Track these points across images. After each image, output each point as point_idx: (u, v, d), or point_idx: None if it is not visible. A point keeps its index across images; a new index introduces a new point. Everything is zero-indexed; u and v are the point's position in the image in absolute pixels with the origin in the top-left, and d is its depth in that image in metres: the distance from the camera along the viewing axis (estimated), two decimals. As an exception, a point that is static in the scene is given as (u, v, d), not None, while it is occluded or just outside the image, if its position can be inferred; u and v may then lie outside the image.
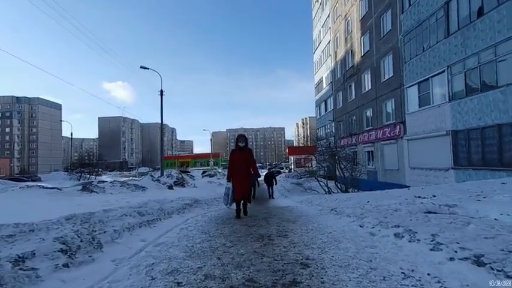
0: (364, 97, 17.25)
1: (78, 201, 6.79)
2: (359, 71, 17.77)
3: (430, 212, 3.35)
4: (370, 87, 16.31)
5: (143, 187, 10.74)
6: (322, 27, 25.42)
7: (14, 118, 75.50)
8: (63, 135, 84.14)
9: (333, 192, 13.58)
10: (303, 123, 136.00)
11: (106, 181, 13.26)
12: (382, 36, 14.58)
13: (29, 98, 78.53)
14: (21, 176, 38.94)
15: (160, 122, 21.57)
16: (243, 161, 4.89)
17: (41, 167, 73.47)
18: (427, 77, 10.69)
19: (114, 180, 10.77)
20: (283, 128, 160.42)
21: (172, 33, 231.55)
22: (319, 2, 26.16)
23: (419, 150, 11.46)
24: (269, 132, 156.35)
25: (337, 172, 14.60)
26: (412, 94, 11.97)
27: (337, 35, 21.71)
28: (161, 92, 21.61)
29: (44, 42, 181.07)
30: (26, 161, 76.64)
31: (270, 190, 13.86)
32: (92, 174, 34.13)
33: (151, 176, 14.32)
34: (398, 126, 13.16)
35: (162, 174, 20.48)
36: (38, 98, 79.30)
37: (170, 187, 12.82)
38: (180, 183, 15.85)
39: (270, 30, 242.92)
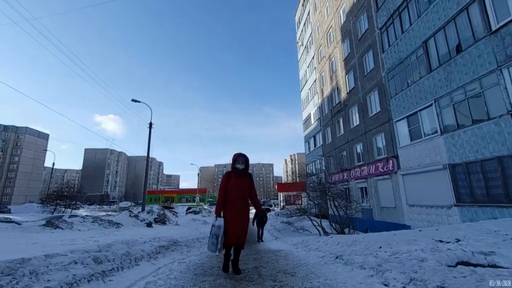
0: (353, 132, 17.30)
1: (35, 238, 5.60)
2: (346, 107, 18.13)
3: (464, 263, 2.64)
4: (358, 123, 16.46)
5: (118, 224, 9.45)
6: (308, 67, 26.79)
7: None
8: (45, 165, 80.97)
9: (328, 233, 12.56)
10: (291, 160, 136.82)
11: (78, 215, 11.81)
12: (366, 74, 15.19)
13: (17, 127, 77.40)
14: None
15: (147, 156, 20.69)
16: (241, 189, 3.59)
17: (15, 197, 69.80)
18: (414, 110, 10.78)
19: (87, 215, 9.48)
20: (272, 164, 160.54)
21: (163, 70, 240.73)
22: (304, 46, 27.99)
23: (416, 185, 11.00)
24: (257, 168, 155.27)
25: (331, 210, 13.75)
26: (401, 128, 11.97)
27: (323, 74, 22.74)
28: (150, 124, 21.24)
29: (35, 73, 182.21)
30: (1, 190, 71.71)
31: (260, 231, 11.88)
32: (69, 208, 31.42)
33: (129, 211, 12.90)
34: (391, 161, 12.88)
35: (143, 210, 18.88)
36: (26, 127, 78.35)
37: (149, 224, 11.47)
38: (161, 220, 14.40)
39: (258, 71, 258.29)
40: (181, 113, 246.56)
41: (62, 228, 6.78)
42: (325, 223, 13.68)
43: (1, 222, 6.82)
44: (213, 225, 3.53)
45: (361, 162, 16.24)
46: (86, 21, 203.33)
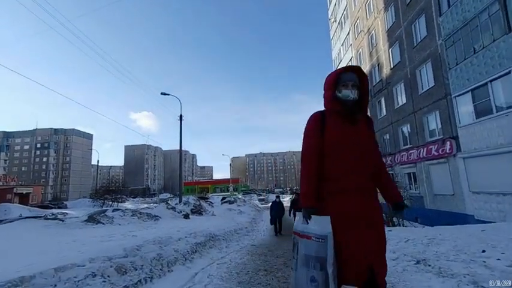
0: (397, 112, 15.50)
1: (75, 235, 5.67)
2: (389, 85, 16.25)
3: None
4: (405, 101, 14.62)
5: (156, 216, 9.55)
6: (342, 45, 24.66)
7: (51, 148, 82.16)
8: (92, 163, 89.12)
9: None
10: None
11: (120, 209, 12.38)
12: (415, 44, 13.20)
13: (65, 129, 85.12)
14: (50, 204, 39.99)
15: (179, 148, 21.16)
16: (359, 147, 1.54)
17: (71, 193, 77.64)
18: (483, 81, 8.95)
19: (126, 209, 9.72)
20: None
21: (192, 62, 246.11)
22: (337, 22, 25.73)
23: (482, 170, 9.33)
24: (288, 156, 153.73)
25: None
26: (463, 104, 10.16)
27: (360, 50, 20.67)
28: (180, 116, 21.61)
29: (77, 76, 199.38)
30: (59, 188, 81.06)
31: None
32: (115, 201, 34.14)
33: (167, 203, 13.17)
34: (448, 143, 11.16)
35: (180, 201, 19.51)
36: (73, 129, 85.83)
37: (186, 216, 11.50)
38: (198, 211, 14.51)
39: (286, 56, 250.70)
40: (211, 106, 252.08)
41: (103, 223, 6.89)
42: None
43: (46, 220, 7.14)
44: (300, 235, 1.50)
45: (409, 146, 14.55)
46: (105, 20, 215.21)
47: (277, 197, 11.54)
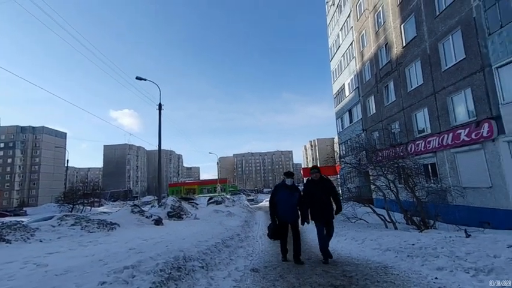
0: (411, 96, 13.56)
1: None
2: (400, 66, 14.31)
3: None
4: (421, 82, 12.67)
5: (113, 224, 6.75)
6: (341, 30, 22.72)
7: (17, 148, 73.32)
8: (69, 165, 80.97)
9: (393, 222, 9.58)
10: (311, 145, 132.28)
11: (70, 215, 9.36)
12: (438, 12, 11.25)
13: (34, 127, 76.40)
14: (5, 211, 35.17)
15: (158, 142, 18.38)
16: None
17: (41, 198, 69.49)
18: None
19: (66, 215, 6.67)
20: (291, 151, 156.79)
21: (176, 57, 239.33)
22: (336, 5, 23.80)
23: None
24: (276, 156, 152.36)
25: (375, 194, 10.57)
26: (508, 75, 8.23)
27: (363, 32, 18.72)
28: (159, 105, 18.97)
29: (52, 69, 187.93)
30: (26, 192, 73.12)
31: (325, 236, 5.04)
32: (87, 205, 30.60)
33: (133, 206, 10.22)
34: (486, 125, 9.20)
35: (159, 203, 16.96)
36: (43, 127, 77.12)
37: (158, 222, 8.65)
38: (176, 214, 11.70)
39: (275, 54, 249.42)
40: (197, 105, 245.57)
41: (9, 241, 4.12)
42: (381, 211, 10.51)
43: None
44: None
45: (426, 133, 12.63)
46: (88, 11, 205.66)
47: (289, 174, 5.35)
